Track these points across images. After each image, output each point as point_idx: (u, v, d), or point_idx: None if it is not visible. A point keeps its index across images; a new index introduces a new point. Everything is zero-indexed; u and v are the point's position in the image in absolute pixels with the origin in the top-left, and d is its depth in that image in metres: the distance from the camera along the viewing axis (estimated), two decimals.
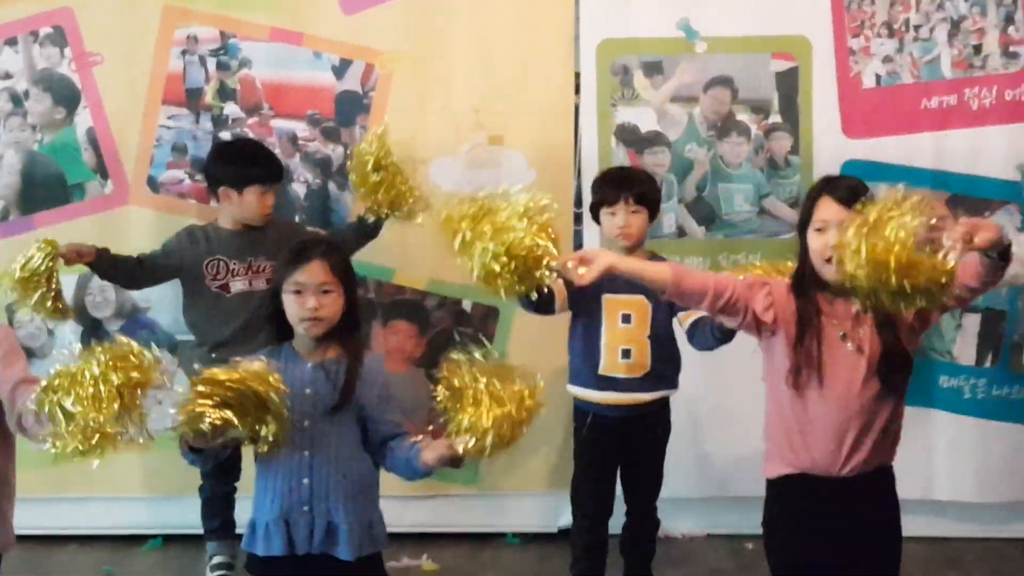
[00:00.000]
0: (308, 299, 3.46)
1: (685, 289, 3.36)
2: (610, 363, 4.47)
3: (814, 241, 3.36)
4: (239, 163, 4.86)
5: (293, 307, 3.48)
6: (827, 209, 3.34)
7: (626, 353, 4.46)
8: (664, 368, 4.51)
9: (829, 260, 3.30)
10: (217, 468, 4.09)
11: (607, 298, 4.38)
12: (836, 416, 3.37)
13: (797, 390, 3.39)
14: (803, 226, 3.42)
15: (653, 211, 4.54)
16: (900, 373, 3.38)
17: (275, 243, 4.67)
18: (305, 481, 3.48)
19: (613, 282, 3.90)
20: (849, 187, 3.37)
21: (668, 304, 4.19)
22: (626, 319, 4.43)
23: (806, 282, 3.41)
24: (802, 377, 3.37)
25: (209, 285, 4.81)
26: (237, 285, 4.83)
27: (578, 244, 5.25)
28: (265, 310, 3.65)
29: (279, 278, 3.54)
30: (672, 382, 4.56)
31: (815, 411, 3.39)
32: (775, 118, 5.32)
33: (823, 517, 3.41)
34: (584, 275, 3.27)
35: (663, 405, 4.59)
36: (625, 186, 4.47)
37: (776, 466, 3.50)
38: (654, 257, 4.48)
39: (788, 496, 3.49)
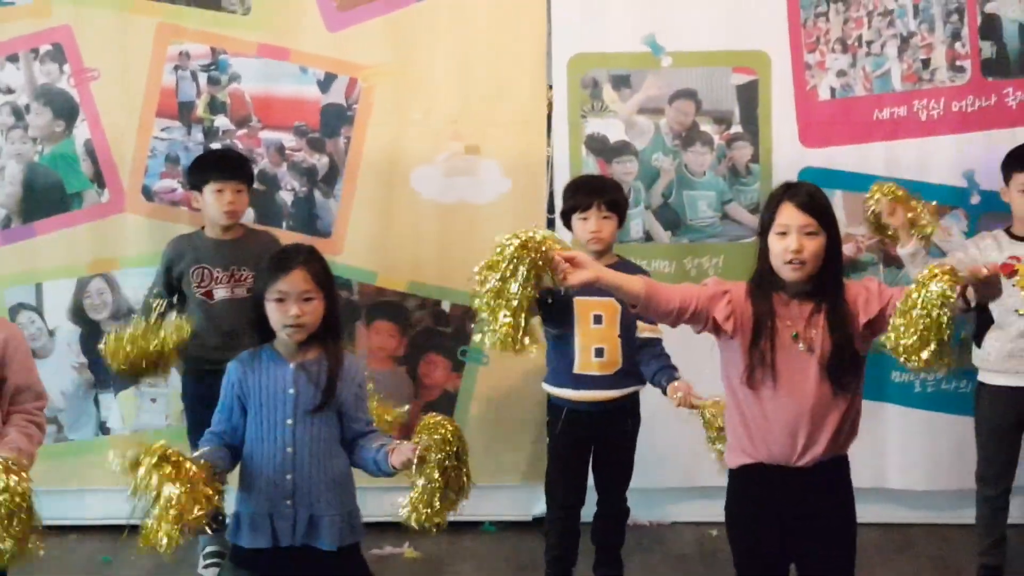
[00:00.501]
0: (290, 307, 3.46)
1: (652, 305, 3.37)
2: (584, 362, 4.46)
3: (775, 244, 3.35)
4: (197, 166, 4.92)
5: (276, 314, 3.48)
6: (788, 214, 3.34)
7: (599, 352, 4.45)
8: (634, 365, 4.49)
9: (789, 262, 3.31)
10: None
11: (579, 300, 4.36)
12: (790, 413, 3.36)
13: (752, 388, 3.39)
14: (764, 229, 3.41)
15: (622, 217, 4.55)
16: (850, 372, 3.37)
17: (256, 253, 4.65)
18: (288, 477, 3.50)
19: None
20: (808, 193, 3.38)
21: None
22: (598, 320, 4.41)
23: (764, 282, 3.40)
24: (756, 376, 3.37)
25: (195, 292, 4.80)
26: (220, 292, 4.81)
27: None
28: (248, 316, 3.61)
29: (262, 286, 3.54)
30: (641, 378, 4.54)
31: (770, 408, 3.38)
32: (736, 128, 5.33)
33: (781, 504, 3.41)
34: (572, 277, 3.21)
35: (633, 400, 4.59)
36: (597, 193, 4.47)
37: (736, 457, 3.50)
38: (622, 260, 4.53)
39: (748, 485, 3.49)
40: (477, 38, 5.33)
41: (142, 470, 3.27)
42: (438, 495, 3.43)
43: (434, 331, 5.42)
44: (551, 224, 5.25)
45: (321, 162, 5.37)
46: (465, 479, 3.50)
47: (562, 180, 5.19)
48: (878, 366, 5.10)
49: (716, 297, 3.39)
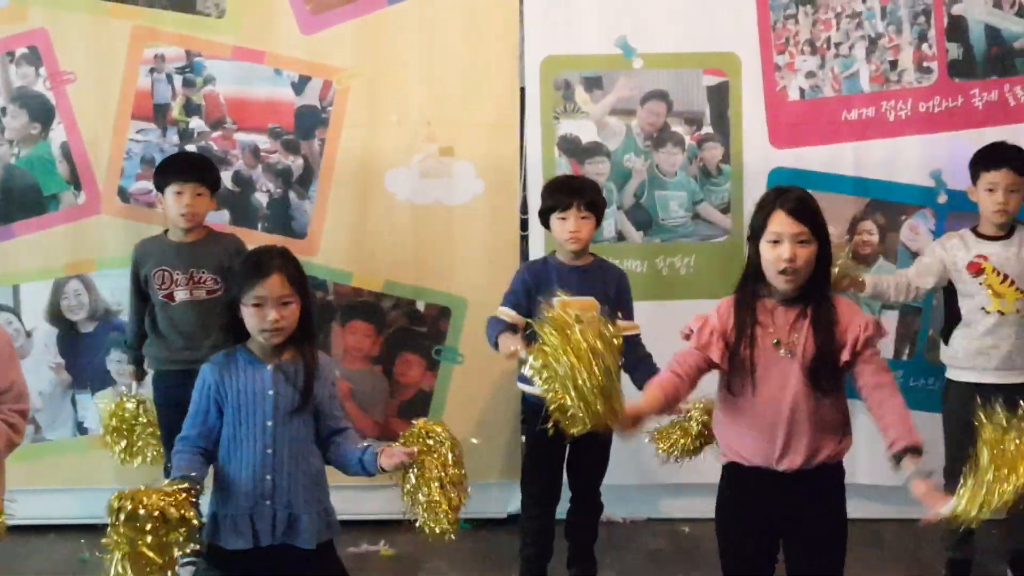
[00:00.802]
0: (269, 312, 3.42)
1: (675, 405, 3.45)
2: None
3: (767, 252, 3.32)
4: (160, 168, 4.87)
5: (254, 319, 3.43)
6: (781, 222, 3.29)
7: None
8: None
9: (783, 272, 3.28)
10: None
11: (559, 301, 4.27)
12: (769, 417, 3.35)
13: (733, 394, 3.39)
14: (755, 235, 3.36)
15: (599, 217, 4.52)
16: (829, 378, 3.35)
17: (217, 255, 4.69)
18: (268, 477, 3.47)
19: (564, 284, 4.10)
20: (799, 199, 3.33)
21: (615, 304, 4.16)
22: (578, 320, 4.33)
23: (750, 288, 3.38)
24: (736, 383, 3.37)
25: (158, 294, 4.78)
26: (180, 295, 4.77)
27: (524, 248, 5.24)
28: (221, 319, 3.57)
29: (238, 291, 3.47)
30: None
31: (750, 412, 3.38)
32: (707, 129, 5.31)
33: (769, 506, 3.41)
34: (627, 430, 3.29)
35: None
36: (577, 193, 4.44)
37: (725, 456, 3.51)
38: (598, 260, 4.52)
39: (736, 484, 3.49)
40: (450, 41, 5.30)
41: (112, 526, 3.25)
42: (452, 494, 3.45)
43: (409, 331, 5.39)
44: (524, 224, 5.23)
45: (296, 164, 5.33)
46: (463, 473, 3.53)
47: (535, 181, 5.18)
48: None
49: (707, 346, 3.38)
